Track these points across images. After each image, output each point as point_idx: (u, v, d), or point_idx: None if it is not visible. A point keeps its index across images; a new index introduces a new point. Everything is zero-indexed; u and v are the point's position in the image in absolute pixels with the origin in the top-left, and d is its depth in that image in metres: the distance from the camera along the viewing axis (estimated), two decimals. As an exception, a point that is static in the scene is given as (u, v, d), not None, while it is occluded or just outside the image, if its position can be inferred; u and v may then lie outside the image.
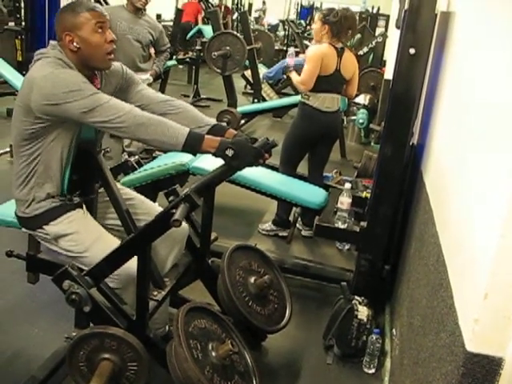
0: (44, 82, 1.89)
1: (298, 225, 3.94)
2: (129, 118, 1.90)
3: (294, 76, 3.92)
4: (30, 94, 1.91)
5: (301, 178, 3.95)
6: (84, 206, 2.20)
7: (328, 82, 3.72)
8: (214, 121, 2.24)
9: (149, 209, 2.35)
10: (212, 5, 12.20)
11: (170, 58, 7.02)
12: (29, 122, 1.96)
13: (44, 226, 2.11)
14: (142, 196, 2.47)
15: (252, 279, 2.45)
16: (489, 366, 1.33)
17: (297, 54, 4.91)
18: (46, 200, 2.09)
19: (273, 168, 3.89)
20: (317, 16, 3.88)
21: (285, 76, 5.93)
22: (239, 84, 8.48)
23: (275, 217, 4.04)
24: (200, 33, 10.13)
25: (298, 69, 3.84)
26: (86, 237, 2.12)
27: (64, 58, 1.99)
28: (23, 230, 2.20)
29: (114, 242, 2.14)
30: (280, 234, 4.01)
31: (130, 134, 1.95)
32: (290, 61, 4.05)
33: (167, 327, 2.40)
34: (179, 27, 9.12)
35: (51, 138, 2.00)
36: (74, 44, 1.99)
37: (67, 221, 2.11)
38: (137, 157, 3.65)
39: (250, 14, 14.46)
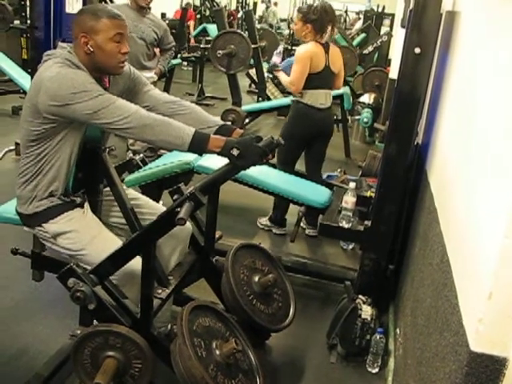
0: (51, 83, 1.89)
1: (301, 224, 3.94)
2: (135, 119, 1.90)
3: (282, 76, 3.91)
4: (38, 95, 1.91)
5: (301, 176, 3.95)
6: (85, 205, 2.21)
7: (319, 79, 3.73)
8: (220, 121, 2.25)
9: (153, 209, 2.36)
10: (217, 3, 12.20)
11: (175, 57, 7.02)
12: (37, 122, 1.96)
13: (43, 224, 2.12)
14: (147, 197, 2.48)
15: (256, 278, 2.45)
16: (493, 366, 1.33)
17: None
18: (47, 198, 2.10)
19: (271, 166, 3.88)
20: (296, 16, 3.83)
21: (271, 75, 5.81)
22: (244, 83, 8.49)
23: (271, 214, 4.08)
24: (205, 31, 10.15)
25: (287, 70, 3.82)
26: (84, 235, 2.13)
27: (73, 58, 1.99)
28: (25, 228, 2.22)
29: (113, 241, 2.15)
30: (274, 230, 4.06)
31: (136, 135, 1.96)
32: (276, 59, 4.02)
33: (169, 325, 2.41)
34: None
35: (59, 138, 2.01)
36: (88, 47, 1.98)
37: (66, 219, 2.13)
38: (141, 155, 3.65)
39: (254, 13, 14.46)
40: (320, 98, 3.78)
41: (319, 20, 3.65)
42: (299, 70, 3.67)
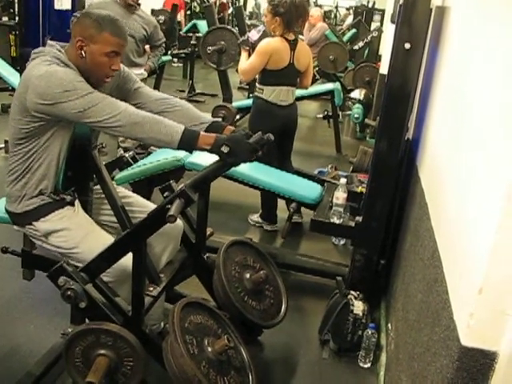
0: (39, 81, 1.88)
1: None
2: (124, 117, 1.90)
3: (243, 57, 3.83)
4: (26, 94, 1.90)
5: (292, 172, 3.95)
6: (76, 203, 2.20)
7: (282, 76, 3.68)
8: (211, 118, 2.24)
9: (144, 206, 2.35)
10: (207, -1, 12.14)
11: (165, 53, 6.99)
12: (25, 120, 1.95)
13: (33, 223, 2.11)
14: (137, 194, 2.47)
15: (247, 274, 2.45)
16: (483, 361, 1.34)
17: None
18: (37, 197, 2.09)
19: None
20: (266, 9, 3.73)
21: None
22: (234, 79, 8.46)
23: (261, 211, 4.10)
24: (195, 27, 10.11)
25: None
26: (75, 233, 2.12)
27: (62, 57, 1.98)
28: (14, 227, 2.20)
29: (105, 238, 2.14)
30: (265, 227, 4.07)
31: (125, 133, 1.95)
32: (252, 35, 3.91)
33: (162, 323, 2.40)
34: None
35: (47, 136, 2.00)
36: (82, 51, 1.98)
37: (57, 218, 2.12)
38: (132, 152, 3.65)
39: (245, 9, 14.44)
40: (281, 95, 3.73)
41: (287, 14, 3.56)
42: (255, 62, 3.63)
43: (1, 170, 4.32)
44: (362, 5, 12.32)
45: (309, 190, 3.50)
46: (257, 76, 3.80)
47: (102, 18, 1.99)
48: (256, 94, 3.82)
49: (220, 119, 5.23)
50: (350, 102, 6.74)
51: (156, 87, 6.94)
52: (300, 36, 3.79)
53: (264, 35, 3.94)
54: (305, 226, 4.07)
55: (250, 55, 3.82)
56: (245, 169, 3.31)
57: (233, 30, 6.21)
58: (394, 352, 2.38)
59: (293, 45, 3.66)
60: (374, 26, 10.32)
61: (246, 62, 3.73)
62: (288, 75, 3.72)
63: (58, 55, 1.97)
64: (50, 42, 2.05)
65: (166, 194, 2.16)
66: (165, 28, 7.75)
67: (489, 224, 1.31)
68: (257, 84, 3.81)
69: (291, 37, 3.66)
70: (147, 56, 5.02)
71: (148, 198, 3.33)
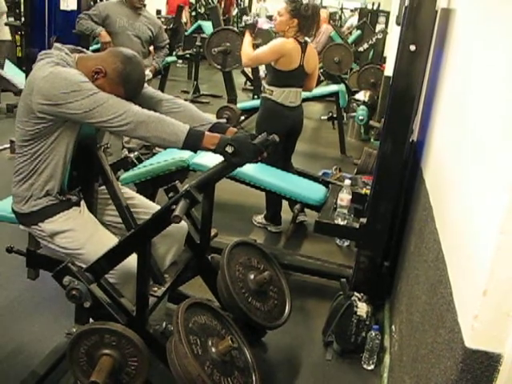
0: (44, 83, 1.89)
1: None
2: (129, 117, 1.90)
3: (246, 41, 3.85)
4: (31, 95, 1.91)
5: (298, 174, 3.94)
6: (82, 204, 2.21)
7: (292, 77, 3.72)
8: (214, 119, 2.25)
9: (149, 208, 2.36)
10: (212, 1, 12.16)
11: (170, 54, 7.00)
12: (31, 122, 1.96)
13: (39, 223, 2.12)
14: (142, 195, 2.48)
15: (252, 275, 2.45)
16: (488, 363, 1.34)
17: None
18: (43, 197, 2.09)
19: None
20: (283, 8, 3.70)
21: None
22: (239, 80, 8.48)
23: (266, 212, 4.10)
24: (200, 29, 10.12)
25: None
26: (81, 234, 2.12)
27: (68, 59, 1.99)
28: (20, 226, 2.21)
29: (110, 239, 2.15)
30: (269, 228, 4.08)
31: (130, 133, 1.95)
32: (262, 23, 3.92)
33: (164, 324, 2.40)
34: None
35: (53, 137, 2.01)
36: (95, 76, 2.00)
37: (63, 218, 2.12)
38: (137, 153, 3.65)
39: (249, 10, 14.44)
40: (290, 96, 3.75)
41: (309, 18, 3.61)
42: (265, 56, 3.67)
43: (6, 171, 4.34)
44: (366, 6, 12.32)
45: (313, 191, 3.50)
46: (265, 77, 3.81)
47: (131, 76, 2.03)
48: (265, 95, 3.82)
49: (224, 120, 5.24)
50: (354, 104, 6.73)
51: (161, 88, 6.95)
52: (306, 38, 3.79)
53: (268, 33, 3.96)
54: (309, 228, 4.08)
55: (254, 43, 3.82)
56: (250, 170, 3.32)
57: (238, 31, 6.21)
58: (397, 354, 2.38)
59: (303, 47, 3.69)
60: (378, 27, 10.31)
61: (253, 50, 3.74)
62: (297, 77, 3.74)
63: (64, 58, 1.98)
64: (57, 45, 2.05)
65: (170, 194, 2.17)
66: (170, 29, 7.76)
67: (492, 225, 1.31)
68: (266, 85, 3.82)
69: (302, 39, 3.69)
70: (152, 57, 5.04)
71: (153, 198, 3.34)
